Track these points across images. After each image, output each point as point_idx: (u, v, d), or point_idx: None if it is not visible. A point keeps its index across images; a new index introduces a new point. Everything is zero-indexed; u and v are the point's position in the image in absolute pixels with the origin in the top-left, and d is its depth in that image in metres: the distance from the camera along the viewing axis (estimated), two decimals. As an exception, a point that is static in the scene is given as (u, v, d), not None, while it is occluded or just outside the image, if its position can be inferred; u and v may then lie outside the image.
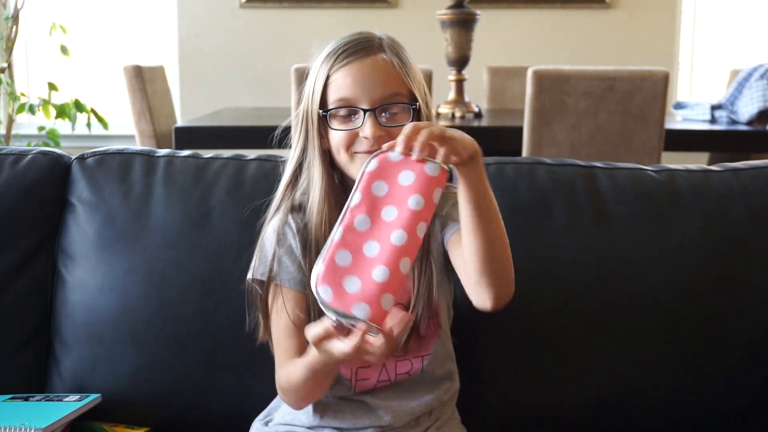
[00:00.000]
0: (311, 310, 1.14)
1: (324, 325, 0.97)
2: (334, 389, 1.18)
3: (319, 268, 0.94)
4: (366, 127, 1.11)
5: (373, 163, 0.98)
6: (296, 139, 1.19)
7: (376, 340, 0.94)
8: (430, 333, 1.19)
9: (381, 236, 0.95)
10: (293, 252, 1.16)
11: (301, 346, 1.11)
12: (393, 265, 0.93)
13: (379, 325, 0.92)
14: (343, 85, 1.12)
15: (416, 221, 0.95)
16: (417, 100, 1.14)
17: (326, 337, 0.97)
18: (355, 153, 1.12)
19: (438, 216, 1.17)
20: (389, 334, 0.94)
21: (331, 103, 1.13)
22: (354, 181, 1.03)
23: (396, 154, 0.97)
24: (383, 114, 1.12)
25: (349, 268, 0.94)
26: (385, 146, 0.98)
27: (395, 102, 1.12)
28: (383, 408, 1.17)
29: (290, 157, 1.20)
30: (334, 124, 1.13)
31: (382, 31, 1.18)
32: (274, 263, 1.16)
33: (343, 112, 1.13)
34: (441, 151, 0.96)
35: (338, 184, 1.17)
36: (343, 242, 0.95)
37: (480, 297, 1.08)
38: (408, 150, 0.96)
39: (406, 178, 0.96)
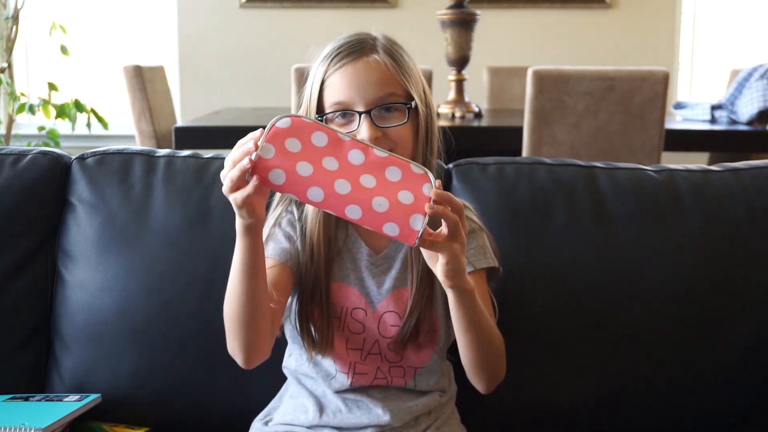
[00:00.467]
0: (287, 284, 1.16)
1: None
2: (332, 382, 1.18)
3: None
4: (362, 129, 1.11)
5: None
6: None
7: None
8: (427, 346, 1.19)
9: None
10: (289, 233, 1.19)
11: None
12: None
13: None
14: (337, 88, 1.13)
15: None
16: (413, 99, 1.14)
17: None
18: None
19: None
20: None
21: (328, 107, 1.14)
22: None
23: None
24: (379, 115, 1.12)
25: None
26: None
27: (390, 102, 1.13)
28: (382, 407, 1.17)
29: None
30: (332, 127, 1.13)
31: (378, 31, 1.19)
32: (268, 239, 1.18)
33: (339, 115, 1.13)
34: (449, 220, 0.97)
35: None
36: None
37: (472, 381, 1.18)
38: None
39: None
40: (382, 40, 1.17)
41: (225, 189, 0.96)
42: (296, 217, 1.20)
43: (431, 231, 0.97)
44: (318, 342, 1.18)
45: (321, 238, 1.17)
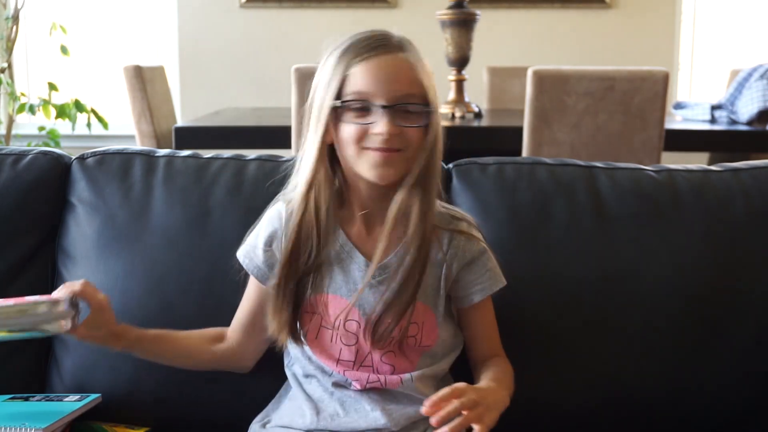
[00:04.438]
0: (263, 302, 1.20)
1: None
2: (332, 378, 1.18)
3: None
4: (381, 124, 1.09)
5: None
6: (304, 135, 1.18)
7: None
8: (411, 354, 1.18)
9: None
10: (270, 244, 1.20)
11: (241, 341, 1.25)
12: None
13: None
14: (361, 79, 1.10)
15: None
16: (430, 104, 1.13)
17: None
18: (365, 148, 1.11)
19: (444, 261, 1.18)
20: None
21: (346, 95, 1.11)
22: (359, 178, 1.11)
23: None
24: (398, 113, 1.10)
25: None
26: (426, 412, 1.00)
27: (412, 102, 1.11)
28: (380, 411, 1.16)
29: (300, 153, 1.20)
30: (347, 117, 1.12)
31: (399, 33, 1.17)
32: (252, 251, 1.22)
33: (357, 105, 1.11)
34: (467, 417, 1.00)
35: (332, 180, 1.16)
36: None
37: None
38: (434, 411, 0.99)
39: None
40: (405, 41, 1.15)
41: None
42: (284, 220, 1.19)
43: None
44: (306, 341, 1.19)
45: (301, 249, 1.16)
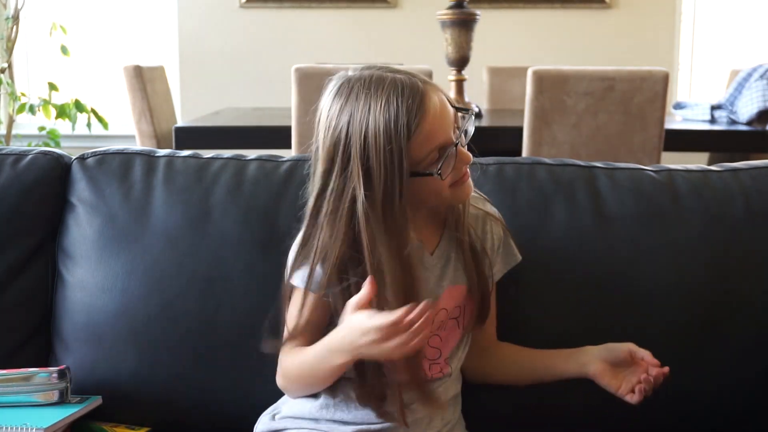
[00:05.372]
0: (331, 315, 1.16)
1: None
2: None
3: None
4: (464, 156, 1.12)
5: None
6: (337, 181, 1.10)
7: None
8: (455, 335, 1.22)
9: None
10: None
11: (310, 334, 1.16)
12: None
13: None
14: (434, 131, 1.07)
15: None
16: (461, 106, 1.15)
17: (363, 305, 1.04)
18: (454, 184, 1.12)
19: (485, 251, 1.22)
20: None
21: (429, 153, 1.08)
22: (454, 210, 1.17)
23: None
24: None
25: None
26: None
27: (461, 116, 1.14)
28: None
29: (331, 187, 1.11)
30: (442, 169, 1.09)
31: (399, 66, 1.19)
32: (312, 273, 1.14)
33: (437, 155, 1.09)
34: None
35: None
36: None
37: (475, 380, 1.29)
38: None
39: None
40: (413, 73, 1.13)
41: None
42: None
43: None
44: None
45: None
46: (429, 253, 1.19)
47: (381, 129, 1.05)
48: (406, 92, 1.06)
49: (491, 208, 1.26)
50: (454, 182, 1.12)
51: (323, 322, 1.16)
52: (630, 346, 1.19)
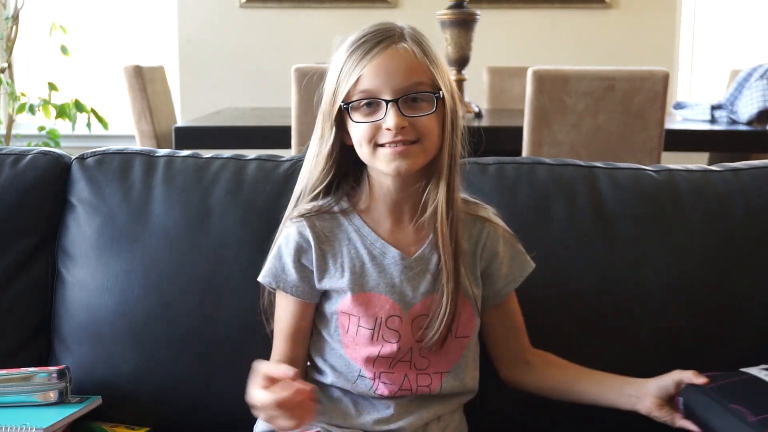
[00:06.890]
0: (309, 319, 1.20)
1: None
2: (355, 386, 1.17)
3: None
4: (388, 118, 1.09)
5: None
6: (317, 137, 1.18)
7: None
8: (453, 351, 1.19)
9: None
10: (302, 262, 1.18)
11: (288, 353, 1.19)
12: None
13: None
14: (364, 77, 1.10)
15: None
16: (441, 89, 1.12)
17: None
18: (378, 145, 1.11)
19: (478, 255, 1.20)
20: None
21: (354, 95, 1.11)
22: (379, 174, 1.13)
23: None
24: (406, 104, 1.10)
25: None
26: None
27: (418, 91, 1.11)
28: (394, 406, 1.17)
29: (309, 156, 1.19)
30: (357, 117, 1.12)
31: (404, 22, 1.17)
32: (282, 272, 1.18)
33: (364, 104, 1.11)
34: None
35: (350, 179, 1.19)
36: None
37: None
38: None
39: None
40: (408, 29, 1.16)
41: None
42: (311, 238, 1.17)
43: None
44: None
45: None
46: (408, 256, 1.17)
47: (329, 82, 1.15)
48: (367, 37, 1.13)
49: (493, 216, 1.23)
50: (375, 143, 1.11)
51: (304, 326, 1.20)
52: (677, 378, 1.16)
